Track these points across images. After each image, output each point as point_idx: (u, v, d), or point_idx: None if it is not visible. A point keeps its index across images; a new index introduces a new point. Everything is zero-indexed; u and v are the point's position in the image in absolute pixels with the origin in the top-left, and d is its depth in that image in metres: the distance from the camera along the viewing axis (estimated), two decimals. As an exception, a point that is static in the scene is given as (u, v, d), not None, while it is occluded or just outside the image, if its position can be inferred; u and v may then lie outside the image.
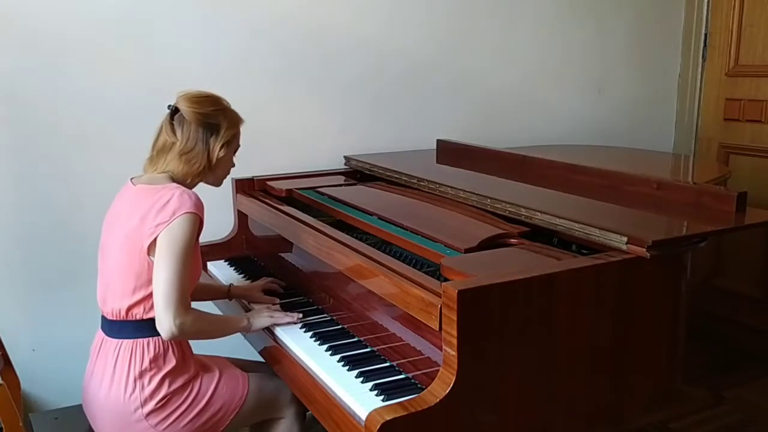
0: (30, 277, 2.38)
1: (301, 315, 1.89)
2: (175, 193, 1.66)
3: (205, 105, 1.75)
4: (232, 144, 1.79)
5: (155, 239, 1.64)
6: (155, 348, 1.69)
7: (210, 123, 1.74)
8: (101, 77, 2.36)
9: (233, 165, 1.86)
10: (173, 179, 1.74)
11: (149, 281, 1.66)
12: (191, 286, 1.71)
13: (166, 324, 1.61)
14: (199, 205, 1.68)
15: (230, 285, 2.10)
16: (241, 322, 1.84)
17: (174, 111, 1.75)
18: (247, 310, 1.99)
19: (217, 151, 1.75)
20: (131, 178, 1.79)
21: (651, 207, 1.86)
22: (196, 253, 1.72)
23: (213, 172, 1.79)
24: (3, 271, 2.34)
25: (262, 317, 1.87)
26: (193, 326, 1.65)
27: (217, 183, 1.86)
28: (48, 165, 2.35)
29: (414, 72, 2.88)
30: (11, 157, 2.31)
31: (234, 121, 1.79)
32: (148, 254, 1.65)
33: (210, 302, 2.25)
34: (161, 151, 1.75)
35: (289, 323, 1.87)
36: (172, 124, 1.74)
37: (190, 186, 1.77)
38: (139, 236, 1.65)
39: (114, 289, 1.70)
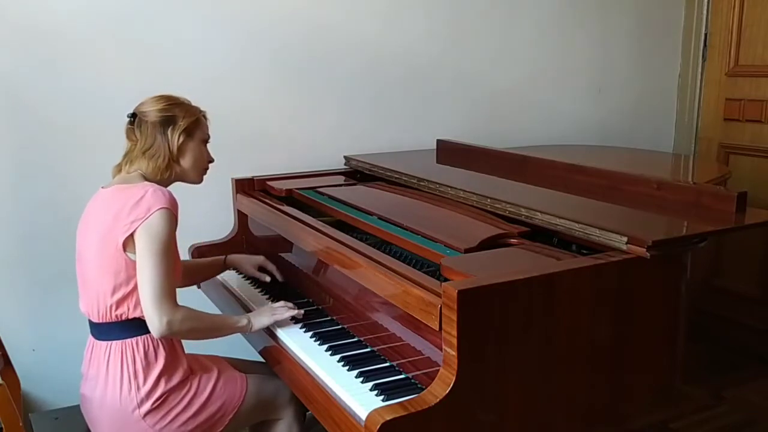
0: (30, 277, 2.39)
1: (303, 311, 1.87)
2: (148, 189, 1.67)
3: (158, 102, 1.77)
4: (193, 132, 1.79)
5: (131, 234, 1.63)
6: (144, 346, 1.70)
7: (165, 116, 1.75)
8: (101, 77, 2.36)
9: (212, 160, 1.86)
10: (145, 178, 1.75)
11: (129, 279, 1.66)
12: (175, 283, 1.71)
13: (155, 323, 1.62)
14: (173, 202, 1.68)
15: (225, 256, 2.14)
16: (240, 321, 1.81)
17: (132, 117, 1.78)
18: (248, 310, 1.99)
19: (176, 140, 1.75)
20: (102, 187, 1.78)
21: (651, 207, 1.85)
22: (175, 250, 1.72)
23: (181, 163, 1.78)
24: (3, 271, 2.35)
25: (263, 316, 1.84)
26: (183, 324, 1.65)
27: (196, 178, 1.84)
28: (48, 165, 2.35)
29: (414, 72, 2.88)
30: (11, 156, 2.31)
31: (190, 110, 1.80)
32: (125, 251, 1.65)
33: (211, 303, 2.25)
34: (126, 156, 1.79)
35: (290, 317, 1.85)
36: (132, 130, 1.77)
37: (165, 184, 1.77)
38: (113, 234, 1.65)
39: (95, 292, 1.70)
